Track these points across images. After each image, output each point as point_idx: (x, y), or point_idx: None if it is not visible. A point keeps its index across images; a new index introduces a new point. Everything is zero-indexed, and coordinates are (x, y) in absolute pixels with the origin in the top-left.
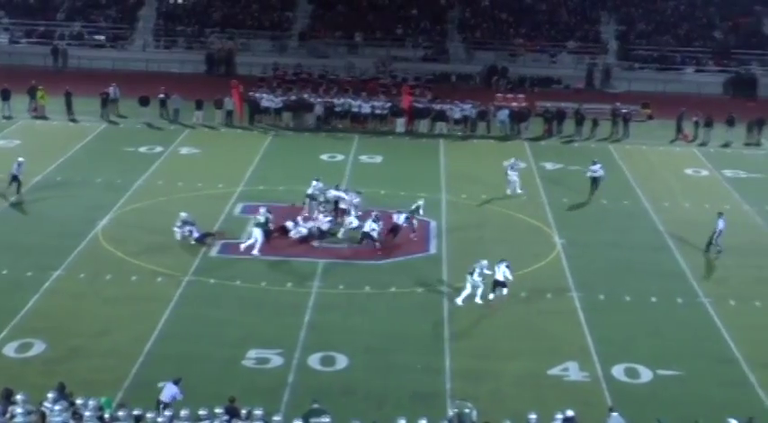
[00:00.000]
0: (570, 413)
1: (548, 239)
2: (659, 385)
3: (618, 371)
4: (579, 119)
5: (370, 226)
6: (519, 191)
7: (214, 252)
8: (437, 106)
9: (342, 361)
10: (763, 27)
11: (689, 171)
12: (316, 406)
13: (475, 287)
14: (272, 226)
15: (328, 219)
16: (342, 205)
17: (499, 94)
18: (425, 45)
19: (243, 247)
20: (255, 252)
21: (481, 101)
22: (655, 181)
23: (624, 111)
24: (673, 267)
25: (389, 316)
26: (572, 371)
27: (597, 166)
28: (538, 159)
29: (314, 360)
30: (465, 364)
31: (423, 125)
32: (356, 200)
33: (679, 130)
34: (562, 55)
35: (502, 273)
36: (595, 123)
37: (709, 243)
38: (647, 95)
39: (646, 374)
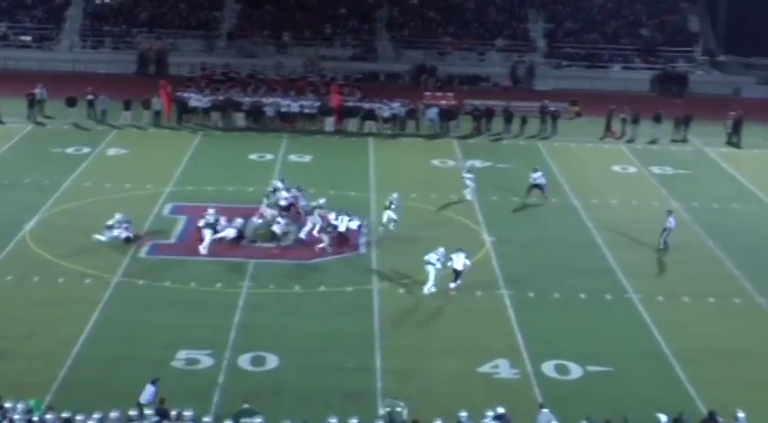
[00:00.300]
0: (501, 410)
1: (477, 237)
2: (589, 381)
3: (548, 367)
4: (508, 117)
5: (347, 225)
6: (468, 198)
7: (143, 253)
8: (366, 105)
9: (272, 361)
10: (689, 24)
11: (617, 168)
12: (246, 406)
13: (434, 277)
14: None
15: (284, 221)
16: (282, 202)
17: (428, 93)
18: (354, 44)
19: (201, 248)
20: (202, 249)
21: (410, 99)
22: (583, 178)
23: (552, 108)
24: (601, 264)
25: (320, 315)
26: (502, 368)
27: (538, 174)
28: (467, 157)
29: (244, 360)
30: (395, 363)
31: (352, 124)
32: (321, 201)
33: (608, 127)
34: (490, 53)
35: (462, 262)
36: (524, 121)
37: (665, 241)
38: (575, 93)
39: (575, 371)
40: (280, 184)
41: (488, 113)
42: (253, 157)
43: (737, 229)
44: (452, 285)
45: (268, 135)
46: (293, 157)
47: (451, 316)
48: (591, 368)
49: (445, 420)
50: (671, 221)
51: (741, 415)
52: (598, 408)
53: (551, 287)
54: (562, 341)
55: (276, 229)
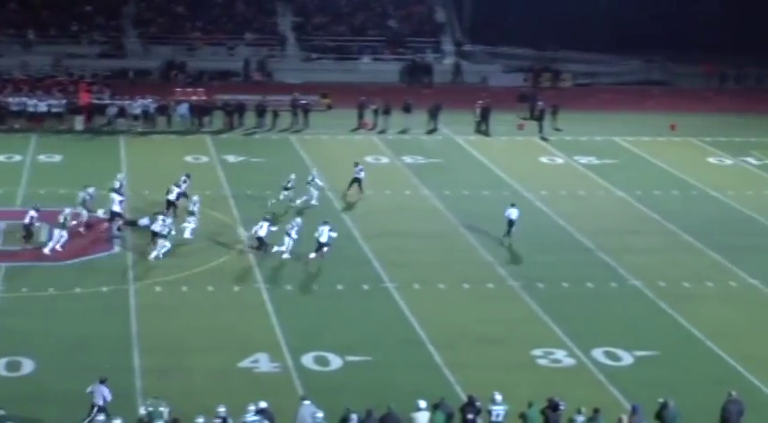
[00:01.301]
0: (263, 404)
1: (233, 233)
2: (349, 372)
3: (307, 360)
4: (260, 111)
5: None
6: (314, 202)
7: None
8: (116, 102)
9: (28, 365)
10: (436, 15)
11: (369, 159)
12: (2, 413)
13: (289, 244)
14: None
15: (169, 220)
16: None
17: (178, 89)
18: (101, 41)
19: (47, 250)
20: (58, 248)
21: (160, 96)
22: (337, 170)
23: (303, 101)
24: (357, 254)
25: (75, 317)
26: (262, 362)
27: (359, 167)
28: (220, 152)
29: None
30: (155, 362)
31: (102, 122)
32: (196, 197)
33: (361, 118)
34: (240, 47)
35: (326, 235)
36: (276, 115)
37: (508, 232)
38: (325, 86)
39: (335, 362)
40: (185, 178)
41: (240, 108)
42: (0, 158)
43: (489, 216)
44: (312, 255)
45: (15, 136)
46: (42, 158)
47: (210, 312)
48: (350, 358)
49: (207, 418)
50: (514, 213)
51: (498, 397)
52: (359, 397)
53: (308, 280)
54: (321, 333)
55: (155, 227)
